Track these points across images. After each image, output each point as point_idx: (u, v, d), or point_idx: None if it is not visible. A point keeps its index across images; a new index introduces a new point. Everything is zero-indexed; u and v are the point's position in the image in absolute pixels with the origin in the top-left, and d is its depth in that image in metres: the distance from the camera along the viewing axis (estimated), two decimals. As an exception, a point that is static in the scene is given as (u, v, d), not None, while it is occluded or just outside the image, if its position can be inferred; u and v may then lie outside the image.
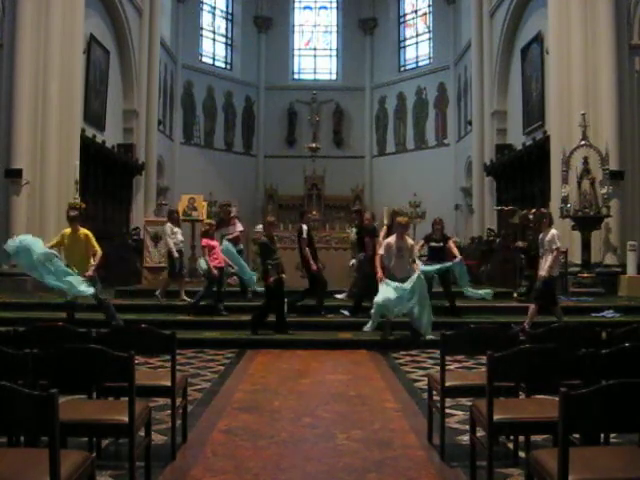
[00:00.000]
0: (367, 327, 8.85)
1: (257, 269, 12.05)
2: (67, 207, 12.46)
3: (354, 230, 12.89)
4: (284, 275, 9.45)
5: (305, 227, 10.43)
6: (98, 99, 16.63)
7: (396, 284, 8.57)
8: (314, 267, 10.09)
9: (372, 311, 8.77)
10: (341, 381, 6.87)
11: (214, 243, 10.49)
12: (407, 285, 8.58)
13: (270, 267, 9.22)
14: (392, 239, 9.05)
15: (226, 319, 9.95)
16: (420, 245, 10.31)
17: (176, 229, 11.39)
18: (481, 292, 10.31)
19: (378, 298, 8.56)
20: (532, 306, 8.62)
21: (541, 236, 8.78)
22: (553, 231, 8.62)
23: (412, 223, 14.24)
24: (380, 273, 8.79)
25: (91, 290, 8.20)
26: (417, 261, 9.35)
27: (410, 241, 9.19)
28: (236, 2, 26.46)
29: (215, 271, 10.08)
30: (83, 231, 8.65)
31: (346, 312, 10.22)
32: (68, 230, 8.69)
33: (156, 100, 20.29)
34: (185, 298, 10.91)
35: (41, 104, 12.98)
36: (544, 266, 8.45)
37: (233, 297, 10.94)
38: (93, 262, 8.45)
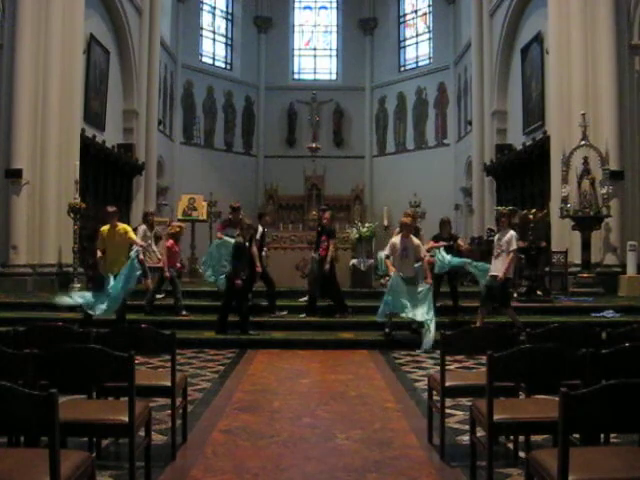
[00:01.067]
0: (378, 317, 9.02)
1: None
2: (67, 207, 12.51)
3: (354, 230, 12.91)
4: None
5: (261, 229, 10.74)
6: (98, 99, 16.63)
7: (405, 289, 8.67)
8: (259, 268, 10.14)
9: (382, 308, 8.91)
10: (341, 381, 6.87)
11: (177, 249, 10.87)
12: (418, 290, 8.77)
13: (239, 268, 9.32)
14: (397, 239, 9.11)
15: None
16: (429, 246, 10.34)
17: (149, 233, 11.38)
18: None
19: (389, 296, 8.72)
20: (508, 311, 8.69)
21: (498, 236, 8.77)
22: (512, 232, 8.61)
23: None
24: (392, 269, 8.91)
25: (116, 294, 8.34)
26: (437, 254, 9.42)
27: (416, 241, 9.24)
28: (236, 2, 26.46)
29: (167, 273, 10.32)
30: (122, 226, 8.92)
31: (302, 315, 10.35)
32: (106, 227, 8.84)
33: (156, 100, 20.28)
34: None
35: (41, 104, 12.97)
36: (500, 267, 8.45)
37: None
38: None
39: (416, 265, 9.13)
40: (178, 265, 11.06)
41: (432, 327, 8.60)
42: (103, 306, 8.25)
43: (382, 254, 9.53)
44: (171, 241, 10.80)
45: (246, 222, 10.07)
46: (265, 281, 10.63)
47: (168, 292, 11.07)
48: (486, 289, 8.70)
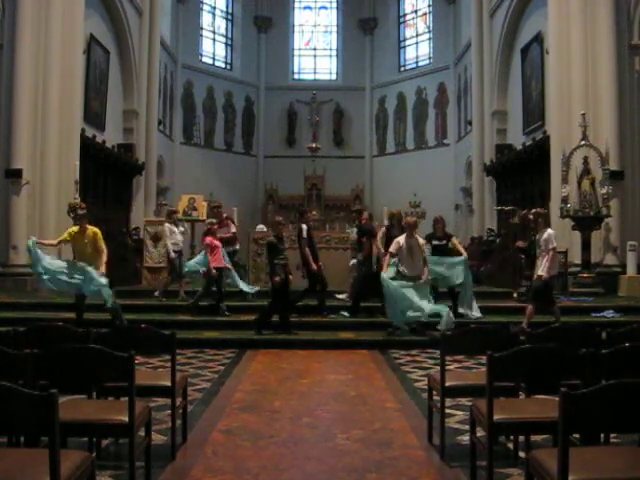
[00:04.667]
0: (399, 332, 9.08)
1: (258, 268, 12.04)
2: (70, 206, 12.50)
3: (354, 230, 12.89)
4: (291, 276, 9.49)
5: (305, 227, 10.40)
6: (98, 99, 16.63)
7: (413, 291, 8.72)
8: (314, 267, 10.09)
9: (390, 311, 8.99)
10: (341, 381, 6.87)
11: (217, 243, 10.45)
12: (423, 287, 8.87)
13: (277, 266, 9.24)
14: (402, 238, 9.15)
15: (226, 319, 9.95)
16: (423, 244, 10.35)
17: (175, 229, 11.42)
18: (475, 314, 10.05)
19: (397, 299, 8.74)
20: (529, 306, 8.65)
21: (537, 236, 8.81)
22: (550, 231, 8.64)
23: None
24: (385, 268, 8.95)
25: (104, 282, 8.26)
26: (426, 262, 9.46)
27: (421, 240, 9.35)
28: (236, 2, 26.46)
29: (214, 271, 10.08)
30: (92, 229, 8.71)
31: (346, 313, 10.24)
32: (75, 228, 8.76)
33: (156, 100, 20.29)
34: (185, 298, 10.92)
35: (41, 104, 12.97)
36: (543, 266, 8.46)
37: (235, 297, 10.91)
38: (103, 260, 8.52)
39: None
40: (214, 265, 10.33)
41: (445, 311, 8.73)
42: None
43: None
44: (209, 238, 10.36)
45: (276, 219, 10.02)
46: (314, 280, 10.30)
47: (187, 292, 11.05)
48: (533, 289, 8.71)
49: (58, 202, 13.07)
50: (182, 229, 11.88)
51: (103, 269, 8.42)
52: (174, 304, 10.75)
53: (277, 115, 26.42)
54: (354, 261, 12.37)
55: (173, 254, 11.18)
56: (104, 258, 8.54)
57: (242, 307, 10.48)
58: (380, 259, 10.10)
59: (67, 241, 8.73)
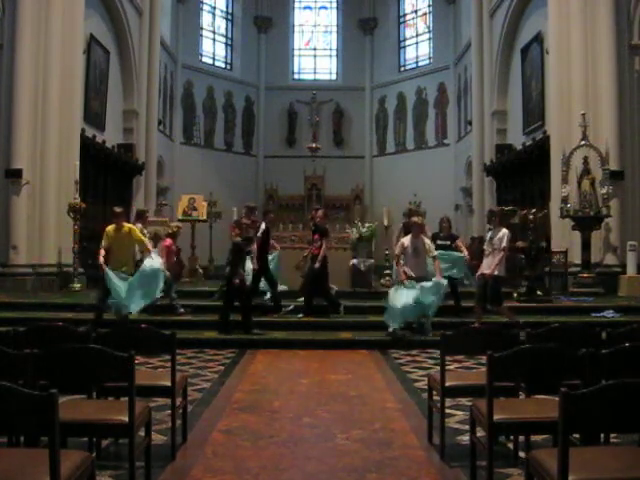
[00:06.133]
0: (390, 329, 9.02)
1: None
2: (67, 207, 12.53)
3: (355, 230, 12.90)
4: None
5: (263, 226, 10.53)
6: (98, 99, 16.62)
7: (415, 290, 8.71)
8: (255, 266, 10.17)
9: (386, 315, 8.95)
10: (341, 381, 6.87)
11: (174, 248, 11.06)
12: (427, 285, 8.85)
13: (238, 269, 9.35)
14: (407, 239, 9.20)
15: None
16: (429, 245, 10.39)
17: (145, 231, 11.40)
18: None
19: (397, 302, 8.70)
20: (500, 309, 8.75)
21: (490, 235, 8.82)
22: (504, 230, 8.64)
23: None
24: (403, 277, 8.95)
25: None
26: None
27: (427, 240, 9.35)
28: (236, 2, 26.45)
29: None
30: (127, 226, 8.88)
31: (300, 315, 10.32)
32: (111, 227, 8.79)
33: (156, 100, 20.27)
34: (174, 297, 11.03)
35: (41, 104, 12.96)
36: (490, 265, 8.49)
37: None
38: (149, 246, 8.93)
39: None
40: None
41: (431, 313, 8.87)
42: (138, 302, 8.53)
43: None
44: (169, 240, 10.80)
45: (244, 222, 10.08)
46: (268, 281, 10.51)
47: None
48: (479, 288, 8.75)
49: (58, 202, 13.07)
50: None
51: (159, 260, 9.10)
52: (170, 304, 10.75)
53: (277, 115, 26.41)
54: (355, 261, 12.39)
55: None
56: (149, 246, 9.02)
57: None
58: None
59: (108, 243, 8.75)
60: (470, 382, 4.46)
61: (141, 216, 11.46)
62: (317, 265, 10.22)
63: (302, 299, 10.70)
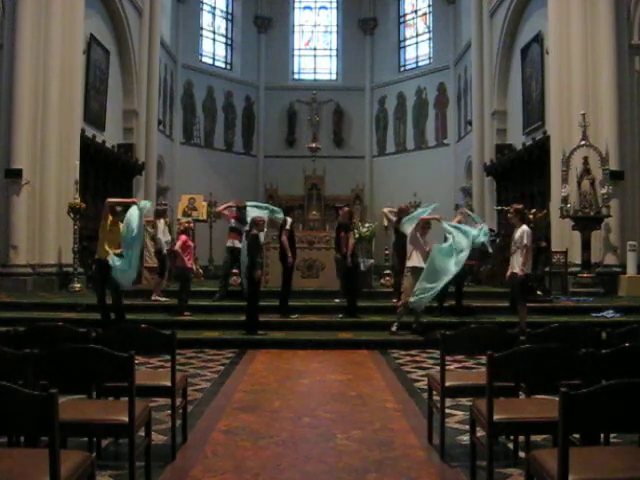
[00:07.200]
0: (393, 328, 9.17)
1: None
2: (67, 207, 12.53)
3: (354, 230, 12.89)
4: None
5: (290, 219, 10.60)
6: (98, 99, 16.62)
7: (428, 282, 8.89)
8: (290, 257, 10.23)
9: (400, 310, 9.17)
10: (341, 381, 6.88)
11: (191, 243, 10.78)
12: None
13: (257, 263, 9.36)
14: (419, 233, 9.46)
15: (223, 319, 9.94)
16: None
17: (165, 227, 11.55)
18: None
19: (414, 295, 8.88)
20: (520, 307, 8.72)
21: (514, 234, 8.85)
22: (524, 227, 8.64)
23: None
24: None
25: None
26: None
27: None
28: (236, 2, 26.45)
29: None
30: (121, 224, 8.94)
31: (340, 315, 10.26)
32: (111, 218, 8.88)
33: (156, 100, 20.27)
34: (158, 298, 11.12)
35: (41, 104, 12.97)
36: (518, 264, 8.49)
37: (236, 297, 10.88)
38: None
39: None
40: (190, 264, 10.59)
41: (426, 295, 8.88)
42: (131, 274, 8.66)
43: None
44: (184, 236, 10.56)
45: (262, 218, 10.07)
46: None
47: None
48: (515, 286, 8.72)
49: (58, 202, 13.07)
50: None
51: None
52: (174, 304, 10.75)
53: (277, 115, 26.40)
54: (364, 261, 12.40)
55: (165, 251, 11.27)
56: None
57: (242, 307, 10.45)
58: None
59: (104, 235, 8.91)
60: (470, 382, 4.46)
61: (162, 214, 11.66)
62: (349, 261, 10.24)
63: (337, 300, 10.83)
